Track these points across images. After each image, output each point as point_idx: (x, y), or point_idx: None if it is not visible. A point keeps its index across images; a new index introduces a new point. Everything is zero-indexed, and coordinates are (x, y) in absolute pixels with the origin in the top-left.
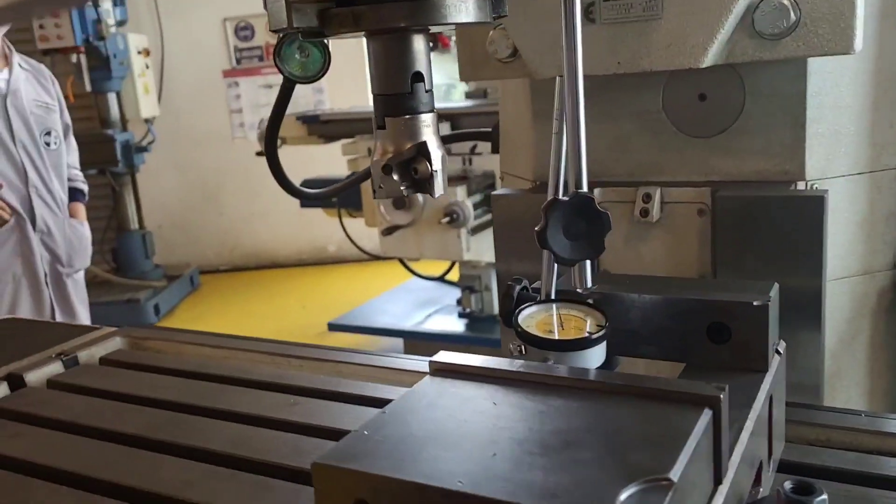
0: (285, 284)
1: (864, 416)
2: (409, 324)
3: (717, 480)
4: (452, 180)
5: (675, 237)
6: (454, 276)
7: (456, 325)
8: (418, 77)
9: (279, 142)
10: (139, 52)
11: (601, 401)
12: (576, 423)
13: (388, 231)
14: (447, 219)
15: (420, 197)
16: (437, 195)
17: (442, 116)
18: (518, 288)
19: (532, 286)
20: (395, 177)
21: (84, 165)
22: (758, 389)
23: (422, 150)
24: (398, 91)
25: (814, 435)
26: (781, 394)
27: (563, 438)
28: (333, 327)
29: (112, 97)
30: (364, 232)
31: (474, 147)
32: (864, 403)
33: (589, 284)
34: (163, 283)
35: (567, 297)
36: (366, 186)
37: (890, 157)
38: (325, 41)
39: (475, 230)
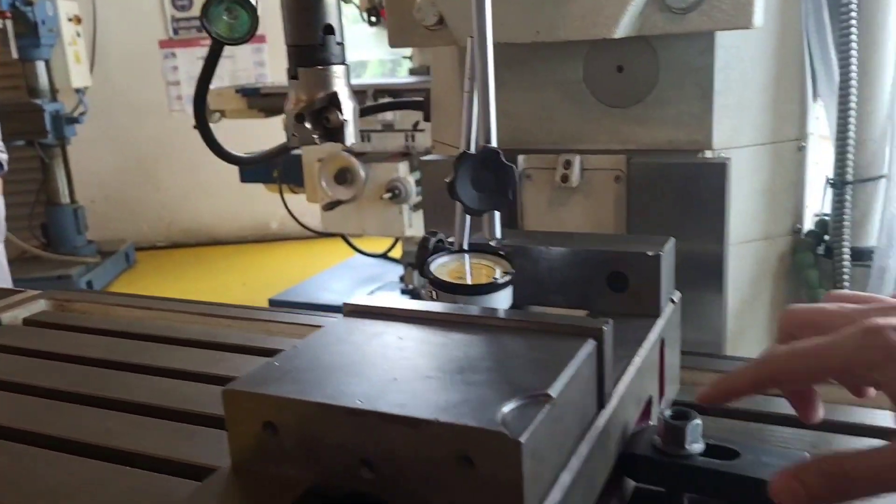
0: (226, 262)
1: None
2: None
3: (600, 405)
4: (394, 156)
5: (594, 202)
6: (397, 253)
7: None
8: (329, 30)
9: (217, 115)
10: (70, 20)
11: (497, 334)
12: (472, 353)
13: (330, 206)
14: (389, 194)
15: (362, 172)
16: (348, 143)
17: (386, 91)
18: (433, 240)
19: (448, 239)
20: (308, 125)
21: (10, 136)
22: (648, 331)
23: (333, 100)
24: (310, 42)
25: (708, 379)
26: (676, 339)
27: (459, 365)
28: (274, 304)
29: (40, 65)
30: (307, 208)
31: (416, 124)
32: None
33: (497, 235)
34: (96, 259)
35: (479, 248)
36: (307, 160)
37: (791, 129)
38: (254, 1)
39: (417, 206)
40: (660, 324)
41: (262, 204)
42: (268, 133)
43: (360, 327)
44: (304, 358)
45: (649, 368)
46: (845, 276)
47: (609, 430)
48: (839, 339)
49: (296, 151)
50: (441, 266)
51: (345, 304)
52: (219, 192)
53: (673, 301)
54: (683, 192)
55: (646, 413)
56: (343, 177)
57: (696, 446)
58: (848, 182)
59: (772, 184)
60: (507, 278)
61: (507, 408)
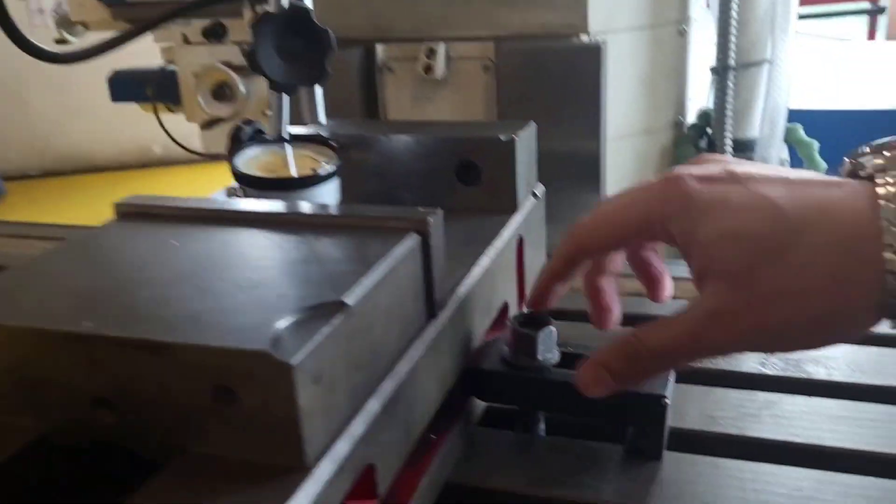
0: (105, 189)
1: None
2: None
3: (431, 314)
4: None
5: (462, 95)
6: None
7: None
8: None
9: (80, 28)
10: None
11: (303, 234)
12: (255, 253)
13: (208, 125)
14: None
15: (242, 87)
16: None
17: None
18: (248, 129)
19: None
20: None
21: None
22: (502, 227)
23: None
24: None
25: (577, 283)
26: (540, 239)
27: (247, 274)
28: None
29: None
30: (194, 129)
31: None
32: None
33: (321, 119)
34: None
35: (301, 137)
36: (184, 75)
37: (671, 12)
38: None
39: None
40: (516, 219)
41: (144, 126)
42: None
43: (126, 232)
44: (39, 274)
45: (503, 270)
46: None
47: (443, 343)
48: (639, 192)
49: (171, 66)
50: (251, 159)
51: (115, 205)
52: (95, 113)
53: (535, 195)
54: (557, 81)
55: (501, 323)
56: (222, 92)
57: (551, 356)
58: (730, 67)
59: (651, 71)
60: (329, 170)
61: (285, 322)
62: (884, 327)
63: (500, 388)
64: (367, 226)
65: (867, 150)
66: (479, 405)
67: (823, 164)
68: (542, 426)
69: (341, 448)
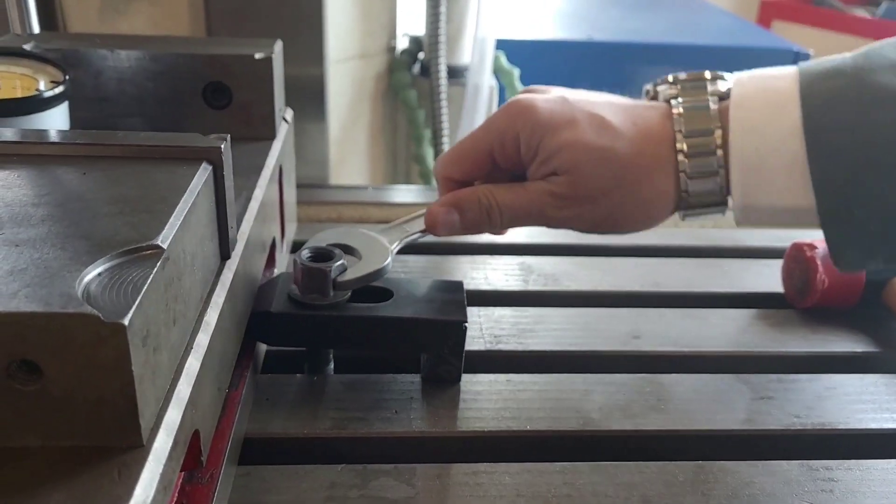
0: None
1: (370, 190)
2: None
3: (225, 255)
4: None
5: (162, 9)
6: None
7: None
8: None
9: None
10: None
11: (58, 167)
12: (15, 197)
13: None
14: None
15: None
16: None
17: None
18: None
19: None
20: None
21: None
22: (266, 156)
23: None
24: None
25: (325, 214)
26: (291, 169)
27: (12, 227)
28: None
29: None
30: None
31: None
32: None
33: (35, 29)
34: None
35: (5, 51)
36: None
37: None
38: None
39: None
40: (277, 147)
41: None
42: None
43: None
44: None
45: (270, 204)
46: (442, 95)
47: (237, 286)
48: (490, 120)
49: None
50: None
51: None
52: None
53: (286, 121)
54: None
55: (270, 260)
56: None
57: (341, 293)
58: None
59: None
60: (59, 90)
61: (91, 274)
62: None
63: (292, 329)
64: (143, 155)
65: (665, 80)
66: (262, 349)
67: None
68: (331, 366)
69: (172, 416)
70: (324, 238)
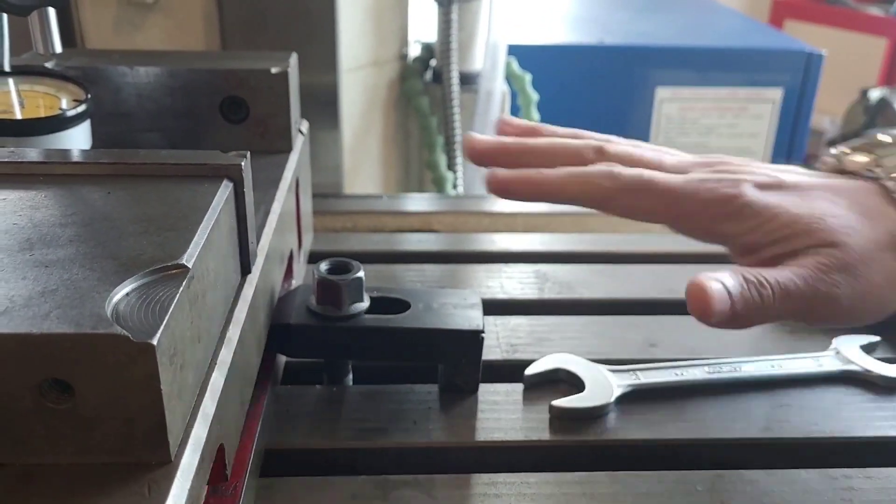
0: None
1: (385, 199)
2: None
3: (245, 270)
4: None
5: (177, 22)
6: None
7: None
8: None
9: None
10: None
11: (83, 187)
12: (43, 217)
13: None
14: None
15: None
16: None
17: None
18: None
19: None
20: None
21: None
22: (283, 169)
23: None
24: None
25: (340, 223)
26: (307, 180)
27: (24, 238)
28: None
29: None
30: None
31: None
32: None
33: (57, 48)
34: None
35: (30, 70)
36: None
37: None
38: None
39: None
40: (293, 159)
41: None
42: None
43: None
44: None
45: (288, 217)
46: (455, 102)
47: (258, 300)
48: (696, 181)
49: None
50: None
51: None
52: None
53: (302, 132)
54: (288, 7)
55: (287, 272)
56: None
57: (360, 304)
58: (454, 0)
59: (377, 3)
60: (81, 108)
61: (119, 294)
62: None
63: (311, 341)
64: (164, 173)
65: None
66: (282, 361)
67: (535, 96)
68: (350, 376)
69: (199, 432)
70: (553, 362)
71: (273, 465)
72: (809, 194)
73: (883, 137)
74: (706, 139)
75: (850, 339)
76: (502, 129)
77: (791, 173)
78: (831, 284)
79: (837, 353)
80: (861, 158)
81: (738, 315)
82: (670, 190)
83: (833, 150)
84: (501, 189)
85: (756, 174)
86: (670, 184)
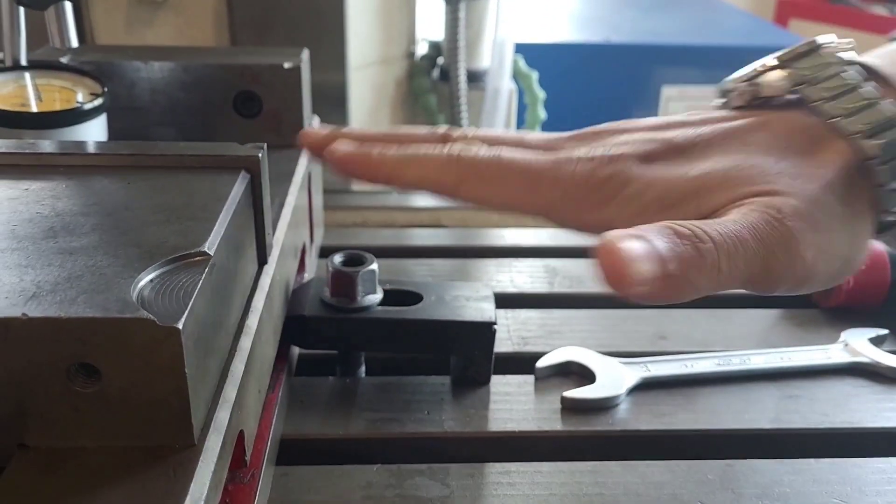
0: None
1: (394, 194)
2: None
3: (262, 260)
4: None
5: (187, 20)
6: None
7: None
8: None
9: None
10: None
11: (103, 177)
12: (65, 207)
13: None
14: None
15: None
16: None
17: None
18: None
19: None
20: None
21: None
22: (296, 163)
23: None
24: None
25: (351, 218)
26: (318, 175)
27: (47, 226)
28: None
29: None
30: None
31: None
32: None
33: (73, 42)
34: None
35: (46, 64)
36: None
37: None
38: None
39: None
40: (306, 154)
41: None
42: None
43: None
44: None
45: (301, 210)
46: (462, 100)
47: (274, 290)
48: (564, 160)
49: None
50: None
51: None
52: None
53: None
54: (298, 5)
55: (300, 265)
56: None
57: (373, 297)
58: None
59: (385, 1)
60: (98, 102)
61: (144, 280)
62: None
63: (325, 333)
64: (181, 164)
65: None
66: (295, 353)
67: (542, 94)
68: (363, 368)
69: (221, 417)
70: (564, 355)
71: (288, 454)
72: (715, 146)
73: (798, 47)
74: None
75: (859, 332)
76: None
77: (685, 126)
78: (790, 232)
79: (846, 345)
80: (779, 76)
81: (672, 280)
82: (533, 172)
83: (744, 73)
84: (337, 167)
85: (638, 142)
86: (533, 165)
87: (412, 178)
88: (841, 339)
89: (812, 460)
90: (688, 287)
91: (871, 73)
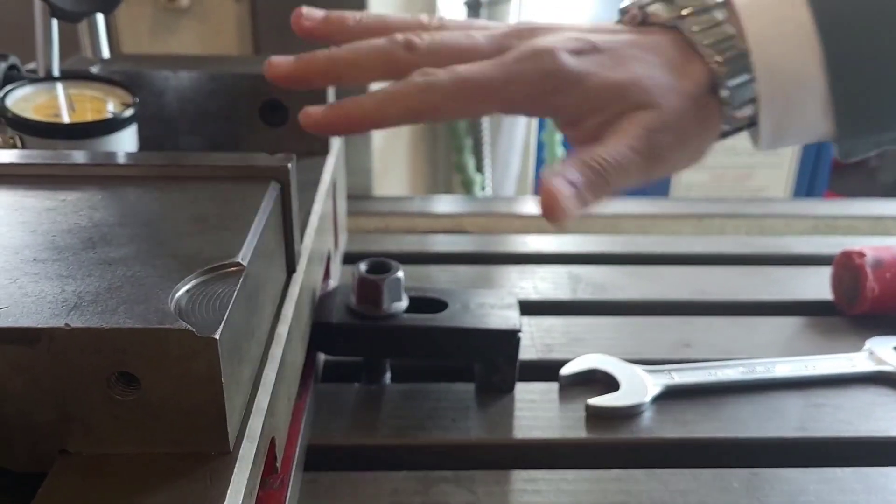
0: None
1: (417, 200)
2: None
3: (291, 268)
4: None
5: (210, 27)
6: None
7: None
8: None
9: None
10: None
11: (137, 188)
12: (102, 218)
13: None
14: None
15: None
16: None
17: None
18: (3, 66)
19: (27, 67)
20: None
21: None
22: (321, 171)
23: None
24: None
25: (373, 224)
26: (342, 182)
27: (86, 237)
28: None
29: None
30: None
31: None
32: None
33: (104, 54)
34: None
35: (77, 74)
36: None
37: None
38: None
39: None
40: (331, 162)
41: None
42: None
43: None
44: None
45: (326, 217)
46: None
47: (302, 298)
48: (511, 63)
49: None
50: (23, 100)
51: None
52: None
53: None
54: None
55: (325, 272)
56: None
57: (398, 304)
58: (481, 3)
59: (408, 8)
60: (130, 112)
61: (181, 290)
62: None
63: (351, 340)
64: (213, 175)
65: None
66: (321, 359)
67: None
68: (388, 375)
69: (255, 424)
70: (588, 362)
71: (316, 461)
72: (623, 56)
73: None
74: (734, 141)
75: (884, 340)
76: (298, 22)
77: (601, 33)
78: (658, 147)
79: (871, 353)
80: (662, 9)
81: (588, 202)
82: (491, 82)
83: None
84: (319, 127)
85: (568, 39)
86: (489, 75)
87: (396, 117)
88: (865, 348)
89: (837, 469)
90: (593, 204)
91: (728, 4)
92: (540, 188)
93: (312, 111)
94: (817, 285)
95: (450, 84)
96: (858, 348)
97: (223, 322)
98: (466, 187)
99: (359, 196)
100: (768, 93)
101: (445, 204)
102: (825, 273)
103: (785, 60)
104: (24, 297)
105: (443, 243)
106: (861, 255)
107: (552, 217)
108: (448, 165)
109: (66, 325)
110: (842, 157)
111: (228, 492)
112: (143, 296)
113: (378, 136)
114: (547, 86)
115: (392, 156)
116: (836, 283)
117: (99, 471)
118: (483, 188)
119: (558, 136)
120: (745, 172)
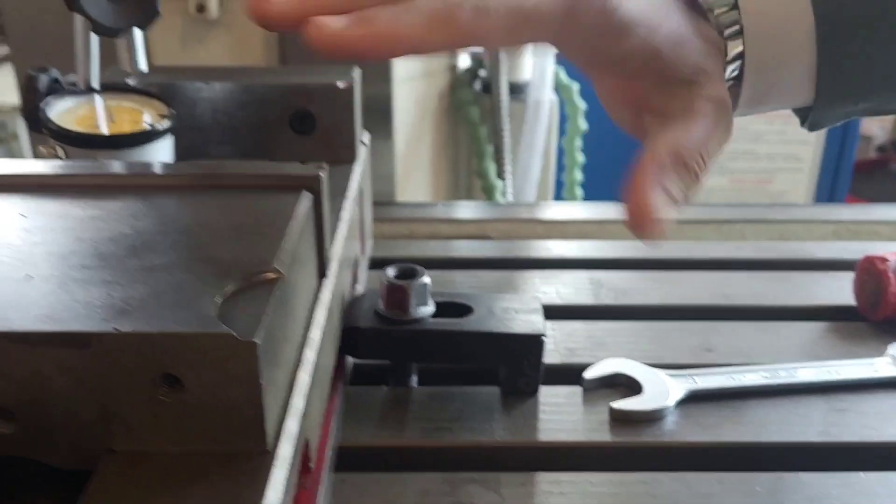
0: None
1: (440, 206)
2: None
3: (322, 274)
4: None
5: (238, 37)
6: None
7: None
8: None
9: None
10: None
11: (175, 197)
12: (144, 226)
13: None
14: None
15: None
16: None
17: None
18: (45, 78)
19: (68, 78)
20: None
21: None
22: (349, 179)
23: None
24: None
25: (398, 230)
26: (368, 189)
27: (129, 245)
28: None
29: None
30: None
31: None
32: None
33: (142, 67)
34: None
35: (116, 87)
36: None
37: None
38: None
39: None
40: (358, 170)
41: None
42: None
43: None
44: None
45: (354, 223)
46: (504, 111)
47: (333, 303)
48: None
49: None
50: (65, 112)
51: None
52: None
53: (364, 143)
54: None
55: (353, 277)
56: None
57: (425, 309)
58: None
59: None
60: (167, 124)
61: (221, 296)
62: None
63: (379, 344)
64: (249, 184)
65: None
66: (350, 363)
67: (583, 105)
68: (415, 377)
69: (291, 425)
70: (612, 366)
71: (345, 462)
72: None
73: None
74: (755, 146)
75: None
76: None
77: None
78: (726, 114)
79: (893, 358)
80: None
81: (681, 208)
82: (550, 13)
83: None
84: (338, 48)
85: None
86: (543, 5)
87: (439, 42)
88: (888, 353)
89: (861, 473)
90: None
91: None
92: (628, 195)
93: (324, 22)
94: (840, 290)
95: (505, 9)
96: (881, 353)
97: (262, 326)
98: (488, 193)
99: (383, 202)
100: (754, 51)
101: (469, 210)
102: (847, 278)
103: (775, 21)
104: (74, 302)
105: (466, 249)
106: (884, 260)
107: (645, 234)
108: (469, 171)
109: (116, 329)
110: (809, 126)
111: (268, 490)
112: (186, 301)
113: (401, 142)
114: (588, 24)
115: (415, 162)
116: (859, 288)
117: (143, 468)
118: (504, 194)
119: (578, 142)
120: (766, 177)
